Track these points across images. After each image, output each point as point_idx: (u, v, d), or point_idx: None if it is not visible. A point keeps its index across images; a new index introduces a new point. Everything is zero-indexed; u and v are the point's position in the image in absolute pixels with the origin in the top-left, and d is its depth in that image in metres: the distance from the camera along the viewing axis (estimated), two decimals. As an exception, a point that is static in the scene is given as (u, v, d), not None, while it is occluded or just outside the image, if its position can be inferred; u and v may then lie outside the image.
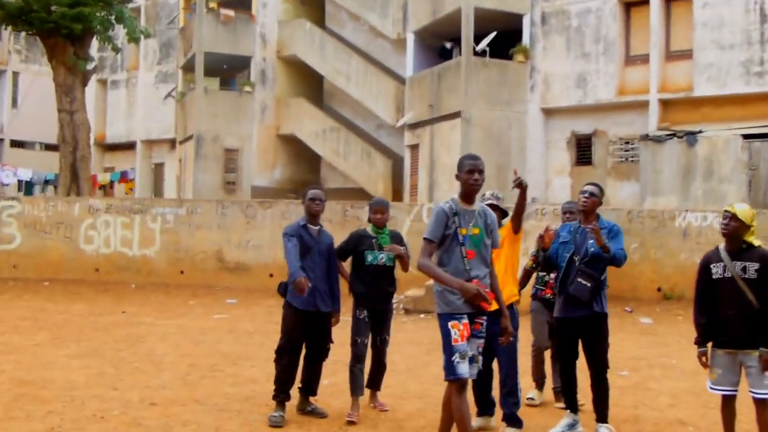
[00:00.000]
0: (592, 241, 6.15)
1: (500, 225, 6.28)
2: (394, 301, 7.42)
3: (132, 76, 32.59)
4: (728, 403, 5.45)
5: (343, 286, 6.92)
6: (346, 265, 7.13)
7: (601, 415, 6.15)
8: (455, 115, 20.61)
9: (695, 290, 5.58)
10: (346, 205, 16.99)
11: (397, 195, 23.12)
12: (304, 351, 6.80)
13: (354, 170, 24.74)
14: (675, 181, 18.96)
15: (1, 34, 34.45)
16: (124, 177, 31.79)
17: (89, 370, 8.38)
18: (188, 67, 26.95)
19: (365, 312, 6.81)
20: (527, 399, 7.15)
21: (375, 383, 7.04)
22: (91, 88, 26.92)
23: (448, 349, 5.09)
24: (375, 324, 6.89)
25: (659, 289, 15.48)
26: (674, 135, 19.06)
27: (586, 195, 6.30)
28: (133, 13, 25.12)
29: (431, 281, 14.70)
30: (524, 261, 7.31)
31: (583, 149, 20.95)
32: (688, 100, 19.19)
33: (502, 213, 6.39)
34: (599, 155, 20.61)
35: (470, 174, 5.26)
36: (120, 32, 24.64)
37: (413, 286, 15.25)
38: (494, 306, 5.29)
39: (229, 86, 28.00)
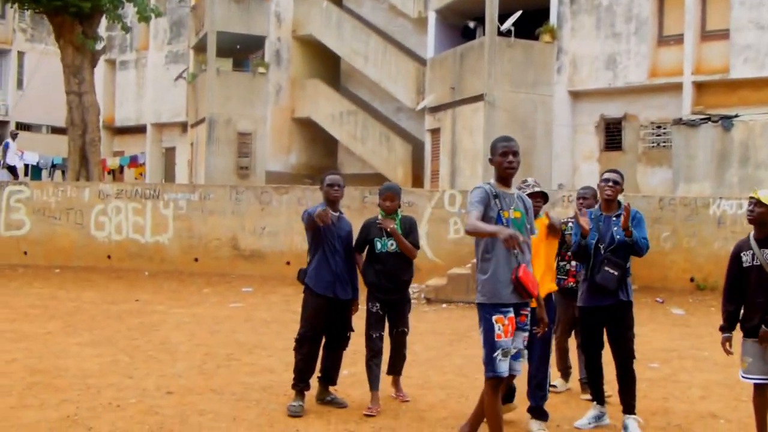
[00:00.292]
0: (616, 228, 6.07)
1: (539, 212, 6.13)
2: (415, 290, 6.96)
3: (141, 57, 31.78)
4: (760, 392, 5.47)
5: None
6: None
7: (628, 406, 6.06)
8: (478, 98, 19.85)
9: (726, 278, 5.62)
10: (365, 191, 16.44)
11: (418, 181, 22.44)
12: (323, 340, 6.74)
13: (372, 155, 24.02)
14: (709, 167, 18.20)
15: (5, 12, 33.55)
16: (133, 161, 31.06)
17: (103, 359, 8.38)
18: (200, 48, 26.21)
19: (378, 304, 6.65)
20: (550, 387, 6.89)
21: (395, 369, 6.82)
22: (100, 68, 26.19)
23: (491, 344, 4.96)
24: (390, 315, 6.63)
25: (692, 279, 15.11)
26: (709, 119, 18.28)
27: (611, 184, 6.22)
28: (144, -9, 24.27)
29: (454, 270, 14.24)
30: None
31: (612, 134, 20.18)
32: (724, 82, 18.40)
33: (545, 198, 6.29)
34: (629, 140, 19.85)
35: (504, 156, 5.11)
36: (130, 10, 24.04)
37: (435, 275, 14.86)
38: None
39: (243, 67, 27.26)
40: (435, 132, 22.00)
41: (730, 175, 17.93)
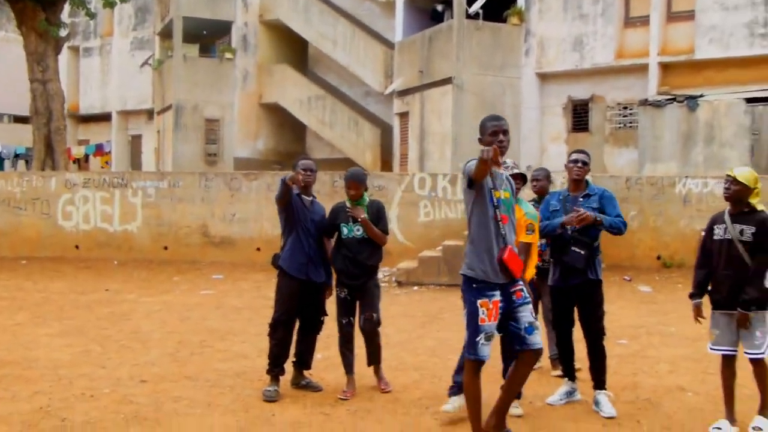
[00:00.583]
0: (582, 209, 6.04)
1: (517, 195, 5.89)
2: (386, 273, 6.92)
3: (106, 43, 31.33)
4: (728, 364, 5.61)
5: None
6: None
7: (599, 382, 6.12)
8: (446, 81, 19.87)
9: (699, 248, 5.77)
10: (335, 175, 16.34)
11: (386, 165, 22.43)
12: (297, 325, 6.70)
13: (341, 140, 23.95)
14: (675, 147, 18.43)
15: (-35, -1, 32.87)
16: (99, 150, 30.68)
17: (74, 349, 8.24)
18: (166, 33, 25.90)
19: (346, 290, 6.56)
20: None
21: (372, 358, 6.69)
22: (63, 56, 25.82)
23: (474, 327, 4.91)
24: (360, 301, 6.58)
25: (659, 257, 15.30)
26: (674, 99, 18.48)
27: (579, 165, 6.23)
28: (107, -23, 23.89)
29: (424, 252, 14.29)
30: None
31: (579, 115, 20.34)
32: (690, 63, 18.61)
33: (523, 180, 6.21)
34: (596, 121, 20.00)
35: (495, 136, 4.98)
36: (94, -4, 23.64)
37: (406, 258, 14.89)
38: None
39: (209, 53, 26.93)
40: (403, 116, 21.98)
41: (696, 154, 18.17)
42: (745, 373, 5.71)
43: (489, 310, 4.86)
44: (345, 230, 6.53)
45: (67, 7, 22.68)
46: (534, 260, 6.00)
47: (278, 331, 6.50)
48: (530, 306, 5.02)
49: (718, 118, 17.91)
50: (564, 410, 6.07)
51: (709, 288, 5.71)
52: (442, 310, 10.94)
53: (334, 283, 6.69)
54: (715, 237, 5.60)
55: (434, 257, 13.73)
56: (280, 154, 26.22)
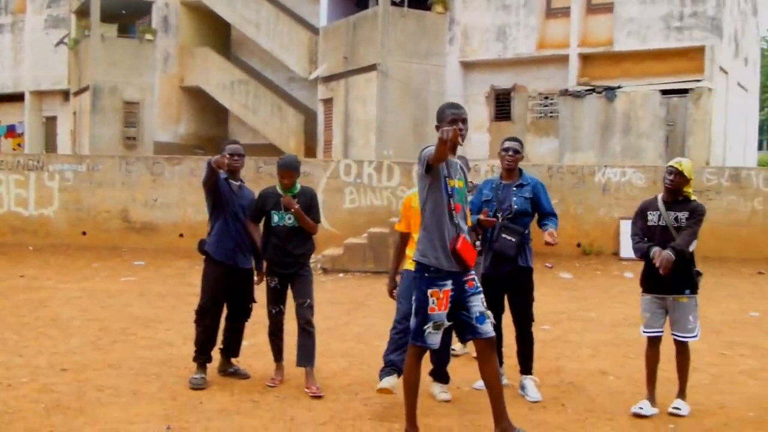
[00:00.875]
0: (516, 198, 6.12)
1: None
2: (312, 260, 6.81)
3: (18, 20, 30.06)
4: (652, 344, 5.82)
5: None
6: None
7: (526, 367, 6.23)
8: (371, 67, 19.87)
9: (631, 231, 5.89)
10: (259, 161, 16.23)
11: (311, 151, 22.30)
12: (225, 312, 6.63)
13: (264, 125, 23.66)
14: (594, 136, 18.88)
15: None
16: (11, 131, 29.59)
17: None
18: (82, 12, 25.10)
19: (276, 279, 6.41)
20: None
21: (305, 358, 6.30)
22: (-27, 33, 24.78)
23: (422, 316, 4.87)
24: (292, 289, 6.44)
25: (578, 245, 15.69)
26: (593, 90, 18.92)
27: (511, 153, 6.23)
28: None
29: (350, 239, 14.31)
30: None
31: (502, 104, 20.61)
32: (608, 54, 19.05)
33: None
34: (518, 110, 20.31)
35: (453, 124, 4.85)
36: (5, -29, 22.72)
37: (331, 245, 14.87)
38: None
39: (129, 33, 26.22)
40: (328, 102, 21.89)
41: (613, 144, 18.65)
42: (662, 356, 5.91)
43: (439, 299, 4.83)
44: (275, 218, 6.35)
45: (-23, -18, 21.77)
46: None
47: (205, 318, 6.40)
48: (481, 295, 5.00)
49: (635, 109, 18.41)
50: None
51: (642, 272, 5.87)
52: (368, 297, 10.99)
53: (265, 269, 6.54)
54: (649, 223, 5.76)
55: (360, 244, 13.75)
56: (201, 138, 25.75)
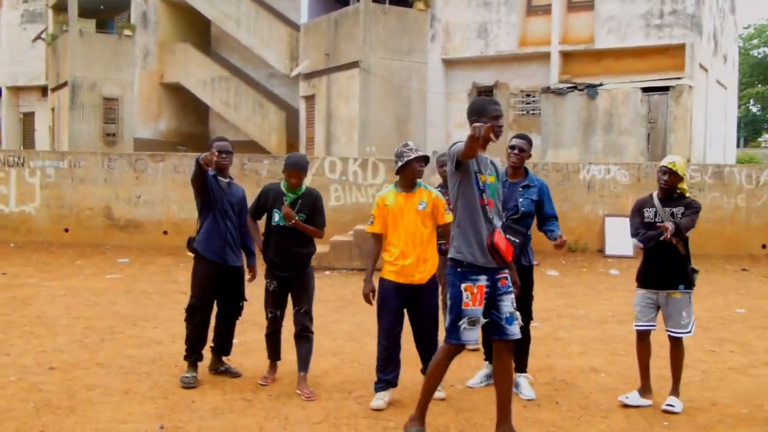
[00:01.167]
0: (522, 200, 6.03)
1: (421, 176, 5.89)
2: None
3: (-6, 15, 29.84)
4: (644, 338, 5.87)
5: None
6: (261, 225, 6.44)
7: (521, 365, 6.14)
8: (353, 64, 19.84)
9: (631, 230, 5.92)
10: (243, 158, 16.13)
11: (292, 148, 22.20)
12: (216, 310, 6.53)
13: (245, 122, 23.55)
14: (576, 134, 18.99)
15: None
16: (-13, 127, 29.29)
17: None
18: (59, 7, 24.87)
19: (275, 282, 6.26)
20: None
21: (301, 364, 6.18)
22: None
23: (457, 312, 4.79)
24: (292, 294, 6.30)
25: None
26: (575, 88, 19.02)
27: (516, 151, 6.10)
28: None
29: (336, 237, 14.24)
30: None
31: (484, 101, 20.59)
32: (589, 52, 19.15)
33: (425, 161, 5.88)
34: (501, 107, 20.31)
35: (495, 120, 4.80)
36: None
37: (317, 242, 14.69)
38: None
39: (107, 29, 26.01)
40: (310, 99, 21.82)
41: (595, 141, 18.76)
42: (653, 352, 5.96)
43: (473, 294, 4.76)
44: (276, 216, 6.17)
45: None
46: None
47: (195, 317, 6.31)
48: (512, 295, 4.95)
49: (617, 106, 18.54)
50: (485, 392, 6.11)
51: (639, 269, 5.94)
52: (355, 294, 10.92)
53: (257, 266, 6.45)
54: (646, 219, 5.83)
55: (345, 241, 13.70)
56: (182, 135, 25.59)
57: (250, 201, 6.53)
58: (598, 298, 11.15)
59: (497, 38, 20.03)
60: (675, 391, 5.79)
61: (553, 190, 15.94)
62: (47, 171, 16.40)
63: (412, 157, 5.64)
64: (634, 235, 5.90)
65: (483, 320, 4.85)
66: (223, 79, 24.10)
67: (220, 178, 6.42)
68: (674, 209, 5.75)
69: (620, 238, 14.43)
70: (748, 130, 52.88)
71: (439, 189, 7.68)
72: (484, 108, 4.86)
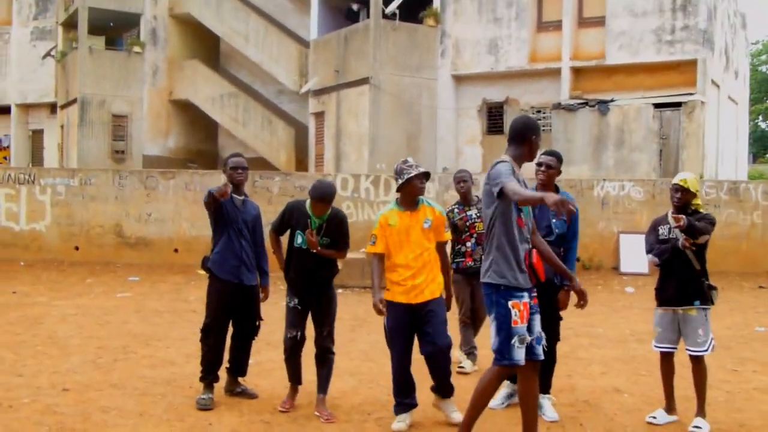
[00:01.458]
0: (556, 221, 5.86)
1: (422, 193, 5.82)
2: None
3: (4, 32, 29.77)
4: (666, 360, 5.83)
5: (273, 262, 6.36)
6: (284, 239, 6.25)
7: (544, 386, 5.98)
8: (363, 81, 19.80)
9: (646, 248, 5.94)
10: (255, 175, 16.05)
11: (302, 165, 22.15)
12: (231, 330, 6.42)
13: (254, 139, 23.49)
14: (587, 150, 18.88)
15: None
16: (-4, 144, 29.32)
17: None
18: (69, 24, 24.90)
19: (296, 299, 6.08)
20: (458, 368, 7.10)
21: (320, 386, 6.06)
22: (-43, 45, 24.52)
23: (507, 330, 4.74)
24: (313, 314, 6.14)
25: (578, 259, 15.42)
26: (586, 104, 18.94)
27: (543, 168, 5.94)
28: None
29: (349, 255, 14.10)
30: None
31: (494, 117, 20.58)
32: (600, 68, 19.08)
33: (426, 178, 5.75)
34: (511, 124, 20.25)
35: (538, 137, 5.00)
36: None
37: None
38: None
39: (117, 46, 26.03)
40: (319, 115, 21.77)
41: (607, 157, 18.65)
42: (677, 373, 5.89)
43: (521, 311, 4.75)
44: (299, 239, 5.98)
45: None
46: (448, 259, 6.00)
47: (210, 337, 6.22)
48: (539, 315, 4.95)
49: (628, 122, 18.44)
50: (507, 414, 5.99)
51: (656, 287, 5.91)
52: (369, 313, 10.73)
53: (286, 289, 6.22)
54: (661, 237, 5.84)
55: (358, 259, 13.57)
56: (191, 152, 25.56)
57: (265, 218, 6.46)
58: (615, 317, 11.00)
59: (507, 54, 19.98)
60: (701, 411, 5.68)
61: (566, 207, 15.95)
62: (58, 188, 16.36)
63: (412, 174, 5.56)
64: (648, 251, 5.89)
65: (529, 338, 4.82)
66: (231, 96, 24.08)
67: (235, 196, 6.29)
68: None
69: (635, 256, 14.28)
70: (757, 146, 52.69)
71: (456, 206, 7.60)
72: (535, 127, 4.99)
